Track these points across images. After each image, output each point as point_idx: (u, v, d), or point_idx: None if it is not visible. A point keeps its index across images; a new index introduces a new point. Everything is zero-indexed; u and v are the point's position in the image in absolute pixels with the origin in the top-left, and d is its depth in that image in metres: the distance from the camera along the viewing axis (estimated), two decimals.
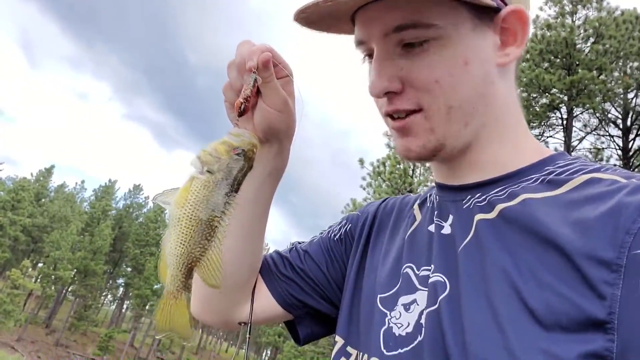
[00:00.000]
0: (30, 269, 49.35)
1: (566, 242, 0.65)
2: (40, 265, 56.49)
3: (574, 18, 17.82)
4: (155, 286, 56.54)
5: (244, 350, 1.08)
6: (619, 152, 17.67)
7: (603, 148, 18.08)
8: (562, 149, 17.19)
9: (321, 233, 1.19)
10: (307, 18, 0.83)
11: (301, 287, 1.08)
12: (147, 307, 56.86)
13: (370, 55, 0.85)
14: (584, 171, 0.76)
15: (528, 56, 17.09)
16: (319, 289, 1.08)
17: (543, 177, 0.79)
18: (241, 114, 0.86)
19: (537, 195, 0.76)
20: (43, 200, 60.68)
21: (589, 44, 17.13)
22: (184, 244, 0.76)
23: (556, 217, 0.70)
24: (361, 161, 20.69)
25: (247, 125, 0.93)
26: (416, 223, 0.98)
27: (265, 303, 1.07)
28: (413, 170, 19.78)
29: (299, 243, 1.18)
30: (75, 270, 51.64)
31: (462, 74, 0.79)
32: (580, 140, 18.17)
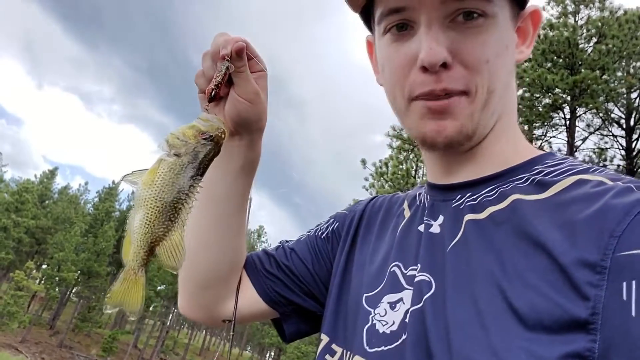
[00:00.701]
0: (34, 271, 49.52)
1: (553, 246, 0.66)
2: (44, 266, 56.58)
3: (577, 18, 17.80)
4: (159, 287, 56.68)
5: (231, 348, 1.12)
6: (622, 152, 17.62)
7: (606, 148, 18.05)
8: (565, 149, 17.35)
9: (309, 232, 1.19)
10: None
11: (286, 284, 1.08)
12: (150, 308, 56.93)
13: (402, 26, 0.80)
14: (572, 172, 0.77)
15: (531, 56, 17.02)
16: (304, 286, 1.08)
17: (532, 177, 0.79)
18: (212, 99, 0.88)
19: (526, 197, 0.76)
20: (47, 201, 60.84)
21: (591, 43, 17.11)
22: (148, 224, 0.78)
23: (544, 221, 0.70)
24: (363, 162, 20.68)
25: (218, 114, 0.93)
26: (405, 221, 0.97)
27: (251, 300, 1.07)
28: (415, 170, 19.76)
29: (287, 241, 1.18)
30: (79, 271, 51.70)
31: (504, 58, 0.80)
32: (584, 140, 18.15)
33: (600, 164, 17.27)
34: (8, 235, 49.73)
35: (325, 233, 1.14)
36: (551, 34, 17.14)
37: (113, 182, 62.79)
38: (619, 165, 17.42)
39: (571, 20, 17.59)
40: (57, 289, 53.83)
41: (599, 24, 16.79)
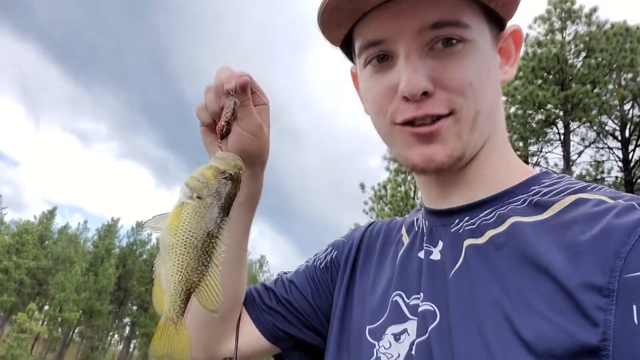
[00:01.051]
0: (36, 312, 48.99)
1: (557, 269, 0.64)
2: (46, 307, 56.04)
3: (564, 34, 18.02)
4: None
5: None
6: (620, 163, 17.62)
7: (603, 160, 18.04)
8: (561, 163, 17.37)
9: (307, 261, 1.16)
10: (332, 2, 0.78)
11: (286, 319, 1.05)
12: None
13: (382, 58, 0.80)
14: (569, 191, 0.76)
15: (521, 74, 17.22)
16: (305, 319, 1.05)
17: (530, 198, 0.78)
18: (223, 136, 0.87)
19: (525, 219, 0.75)
20: (47, 242, 60.58)
21: (580, 58, 17.29)
22: (181, 271, 0.76)
23: (546, 243, 0.68)
24: (362, 186, 20.71)
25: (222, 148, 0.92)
26: (404, 248, 0.95)
27: (251, 336, 1.04)
28: (414, 192, 19.73)
29: (285, 273, 1.15)
30: (80, 311, 51.19)
31: (488, 80, 0.80)
32: (580, 154, 18.17)
33: (598, 177, 17.29)
34: (10, 277, 49.36)
35: (324, 263, 1.12)
36: (539, 51, 17.34)
37: (112, 219, 62.70)
38: (617, 177, 17.41)
39: (559, 37, 17.80)
40: (59, 330, 53.21)
41: (587, 38, 17.01)
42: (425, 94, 0.75)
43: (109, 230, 61.17)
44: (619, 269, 0.59)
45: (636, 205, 0.66)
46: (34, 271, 55.15)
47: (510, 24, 0.86)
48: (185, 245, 0.76)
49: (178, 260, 0.76)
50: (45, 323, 53.93)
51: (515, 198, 0.80)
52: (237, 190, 0.81)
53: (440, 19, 0.75)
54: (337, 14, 0.80)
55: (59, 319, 50.69)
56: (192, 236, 0.76)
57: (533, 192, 0.79)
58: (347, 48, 0.92)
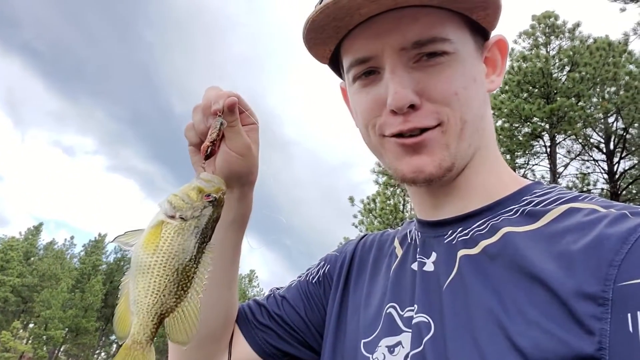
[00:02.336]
0: (21, 330, 48.08)
1: (551, 278, 0.64)
2: (31, 325, 55.03)
3: (548, 49, 18.33)
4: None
5: None
6: (605, 175, 17.84)
7: (589, 173, 18.26)
8: (548, 176, 17.54)
9: (299, 276, 1.16)
10: (315, 21, 0.80)
11: (279, 335, 1.03)
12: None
13: (369, 72, 0.83)
14: (561, 200, 0.76)
15: (507, 87, 17.45)
16: (298, 335, 1.04)
17: (522, 208, 0.79)
18: (208, 156, 0.86)
19: (518, 229, 0.76)
20: (32, 258, 59.68)
21: (565, 72, 17.56)
22: (156, 293, 0.72)
23: (539, 252, 0.69)
24: (351, 199, 20.73)
25: (208, 168, 0.92)
26: (398, 260, 0.95)
27: (244, 354, 1.03)
28: (404, 205, 19.80)
29: (277, 289, 1.14)
30: (67, 329, 50.34)
31: (473, 89, 0.81)
32: (566, 166, 18.38)
33: (584, 189, 17.48)
34: None
35: (317, 277, 1.11)
36: (525, 65, 17.59)
37: (99, 234, 62.02)
38: (602, 189, 17.61)
39: (543, 51, 18.09)
40: (44, 348, 52.20)
41: (571, 52, 17.31)
42: (412, 106, 0.78)
43: (96, 246, 60.45)
44: (613, 277, 0.59)
45: (628, 214, 0.66)
46: (18, 288, 54.25)
47: (495, 33, 0.88)
48: (164, 266, 0.73)
49: (155, 281, 0.73)
50: (30, 341, 52.93)
51: (508, 208, 0.81)
52: (220, 214, 0.80)
53: (419, 37, 0.77)
54: (322, 32, 0.82)
55: (44, 337, 49.79)
56: (173, 258, 0.73)
57: (525, 202, 0.80)
58: (335, 63, 0.94)
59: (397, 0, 0.75)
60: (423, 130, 0.79)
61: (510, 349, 0.63)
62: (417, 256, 0.89)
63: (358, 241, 1.13)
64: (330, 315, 1.01)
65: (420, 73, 0.78)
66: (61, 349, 56.55)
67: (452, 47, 0.78)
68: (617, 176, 17.41)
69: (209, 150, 0.86)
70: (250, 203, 1.00)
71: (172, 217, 0.75)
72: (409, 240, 0.96)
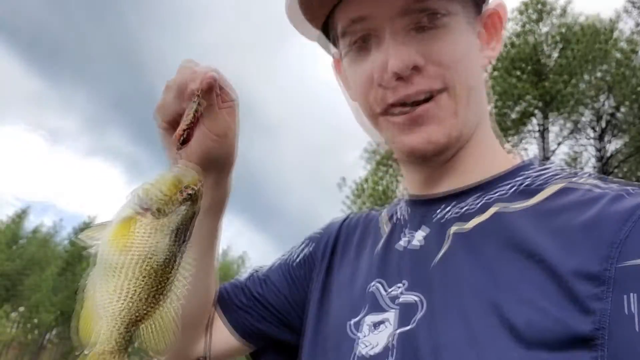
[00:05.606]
0: (10, 314, 48.22)
1: (548, 256, 0.62)
2: (21, 309, 55.14)
3: (540, 26, 18.21)
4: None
5: None
6: (596, 155, 17.93)
7: (580, 152, 18.36)
8: (540, 155, 17.55)
9: (282, 256, 1.11)
10: None
11: (261, 316, 1.00)
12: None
13: (366, 40, 0.78)
14: (558, 177, 0.74)
15: (500, 65, 17.37)
16: (281, 316, 1.01)
17: (517, 186, 0.77)
18: (183, 143, 0.79)
19: (512, 205, 0.73)
20: (20, 241, 59.50)
21: (557, 51, 17.50)
22: (127, 298, 0.65)
23: (534, 229, 0.67)
24: (342, 181, 20.75)
25: (183, 154, 0.84)
26: (384, 238, 0.91)
27: (224, 336, 1.00)
28: (396, 186, 19.83)
29: (258, 269, 1.11)
30: (58, 312, 50.47)
31: (474, 58, 0.79)
32: (558, 145, 18.44)
33: (577, 168, 17.58)
34: None
35: (300, 257, 1.06)
36: (517, 43, 17.49)
37: (89, 217, 61.87)
38: (594, 167, 17.72)
39: (535, 29, 17.98)
40: (35, 332, 52.44)
41: (562, 30, 17.21)
42: (416, 68, 0.74)
43: (86, 228, 60.46)
44: (615, 256, 0.58)
45: (627, 193, 0.65)
46: (6, 274, 54.16)
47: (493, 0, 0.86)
48: (136, 268, 0.65)
49: (127, 285, 0.65)
50: (19, 326, 53.08)
51: (502, 184, 0.78)
52: (199, 209, 0.71)
53: None
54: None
55: (35, 320, 49.99)
56: (147, 259, 0.65)
57: (520, 179, 0.77)
58: (326, 35, 0.90)
59: None
60: (428, 96, 0.75)
61: (503, 327, 0.61)
62: (407, 232, 0.85)
63: (343, 221, 1.09)
64: (313, 296, 0.98)
65: (423, 35, 0.75)
66: (53, 333, 56.81)
67: (454, 7, 0.76)
68: (608, 156, 17.49)
69: (184, 136, 0.78)
70: (227, 188, 0.95)
71: (145, 210, 0.66)
72: (397, 218, 0.93)
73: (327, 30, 0.88)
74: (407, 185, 0.94)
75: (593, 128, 18.09)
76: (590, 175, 0.74)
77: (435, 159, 0.81)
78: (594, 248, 0.60)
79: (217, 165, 0.89)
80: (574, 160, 18.16)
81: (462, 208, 0.79)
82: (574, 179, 0.73)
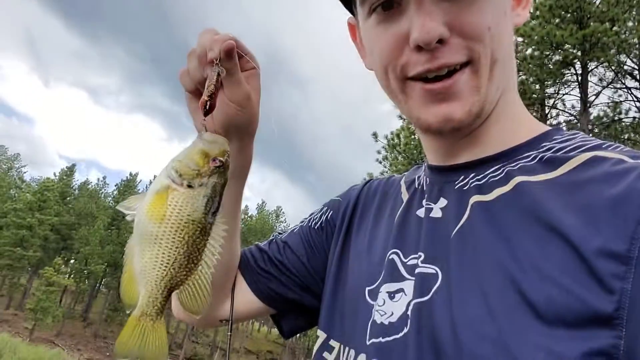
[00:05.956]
0: (62, 266, 50.57)
1: (571, 231, 0.61)
2: (72, 261, 57.78)
3: None
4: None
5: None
6: (638, 104, 17.28)
7: (621, 101, 17.69)
8: (578, 105, 17.11)
9: (302, 222, 1.14)
10: None
11: (281, 281, 1.04)
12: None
13: (389, 3, 0.73)
14: (584, 148, 0.71)
15: (538, 13, 16.69)
16: (299, 281, 1.04)
17: (541, 155, 0.74)
18: (207, 112, 0.77)
19: (535, 177, 0.71)
20: (68, 198, 61.77)
21: None
22: (166, 266, 0.69)
23: (559, 202, 0.65)
24: (375, 135, 20.56)
25: (206, 122, 0.85)
26: (403, 206, 0.91)
27: (246, 299, 1.04)
28: None
29: (279, 234, 1.13)
30: (105, 264, 52.69)
31: (505, 24, 0.74)
32: (597, 95, 17.78)
33: (616, 118, 17.02)
34: (34, 233, 50.76)
35: (319, 223, 1.09)
36: None
37: (130, 174, 63.51)
38: (634, 118, 17.13)
39: None
40: (86, 282, 54.95)
41: None
42: (441, 41, 0.70)
43: (128, 185, 62.09)
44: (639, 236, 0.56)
45: None
46: (57, 227, 56.59)
47: None
48: (174, 238, 0.69)
49: (164, 254, 0.69)
50: (72, 276, 55.73)
51: (525, 154, 0.76)
52: (227, 179, 0.75)
53: None
54: None
55: (85, 271, 52.29)
56: (182, 229, 0.69)
57: (545, 148, 0.75)
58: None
59: None
60: (452, 70, 0.71)
61: (521, 303, 0.61)
62: (425, 202, 0.85)
63: (362, 186, 1.10)
64: (331, 261, 1.01)
65: (449, 3, 0.70)
66: (102, 282, 59.52)
67: None
68: None
69: (207, 105, 0.76)
70: (250, 154, 0.95)
71: (179, 184, 0.71)
72: (417, 186, 0.92)
73: None
74: (426, 152, 0.92)
75: (634, 77, 17.39)
76: (619, 146, 0.71)
77: (454, 134, 0.78)
78: (620, 225, 0.58)
79: (240, 132, 0.90)
80: (614, 109, 17.54)
81: (483, 178, 0.77)
82: (602, 149, 0.70)
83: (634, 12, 16.26)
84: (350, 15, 0.92)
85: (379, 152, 20.54)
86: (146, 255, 0.70)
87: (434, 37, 0.69)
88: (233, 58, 0.80)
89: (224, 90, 0.84)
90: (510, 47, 0.77)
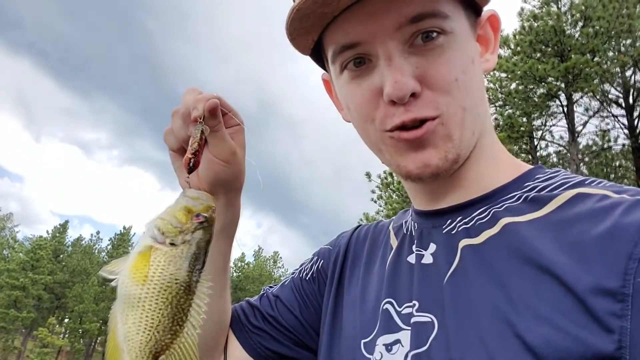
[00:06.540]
0: (57, 326, 49.55)
1: (564, 271, 0.60)
2: (66, 320, 56.64)
3: (559, 4, 17.83)
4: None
5: None
6: (626, 131, 17.49)
7: (609, 129, 17.92)
8: (567, 136, 17.28)
9: (292, 273, 1.12)
10: (301, 10, 0.72)
11: (274, 337, 1.00)
12: None
13: (359, 62, 0.75)
14: (567, 185, 0.72)
15: (519, 49, 17.09)
16: (293, 336, 1.01)
17: (525, 195, 0.75)
18: (191, 170, 0.78)
19: (521, 217, 0.71)
20: (61, 255, 61.08)
21: (578, 28, 17.11)
22: (149, 330, 0.66)
23: (548, 242, 0.65)
24: (368, 175, 20.71)
25: (192, 179, 0.85)
26: (393, 253, 0.91)
27: (239, 358, 1.00)
28: None
29: (270, 288, 1.11)
30: (101, 321, 51.69)
31: (473, 72, 0.75)
32: (584, 124, 18.04)
33: (605, 146, 17.19)
34: (27, 294, 49.91)
35: (310, 273, 1.07)
36: (536, 24, 17.17)
37: (124, 227, 63.08)
38: (624, 145, 17.31)
39: (554, 8, 17.61)
40: (81, 341, 53.74)
41: (583, 7, 16.82)
42: (413, 95, 0.71)
43: (122, 239, 61.60)
44: (632, 271, 0.56)
45: None
46: (51, 286, 55.72)
47: (486, 9, 0.83)
48: (157, 300, 0.66)
49: (147, 316, 0.66)
50: (66, 336, 54.52)
51: (510, 195, 0.76)
52: (212, 235, 0.73)
53: (419, 11, 0.69)
54: (306, 21, 0.74)
55: (80, 330, 51.23)
56: (165, 290, 0.66)
57: (528, 188, 0.76)
58: (318, 55, 0.86)
59: None
60: (423, 121, 0.72)
61: (520, 347, 0.60)
62: (414, 248, 0.84)
63: (352, 233, 1.09)
64: (325, 313, 0.98)
65: (418, 57, 0.71)
66: (97, 341, 58.19)
67: (449, 25, 0.72)
68: (638, 130, 17.05)
69: (191, 163, 0.77)
70: (238, 209, 0.95)
71: (162, 243, 0.69)
72: (405, 231, 0.92)
73: (318, 51, 0.85)
74: (411, 199, 0.92)
75: (620, 105, 17.65)
76: (601, 182, 0.72)
77: (433, 180, 0.78)
78: (611, 262, 0.57)
79: (226, 187, 0.90)
80: (602, 137, 17.74)
81: (470, 220, 0.78)
82: (585, 186, 0.71)
83: (613, 43, 16.67)
84: (324, 71, 0.93)
85: (373, 192, 20.67)
86: (129, 319, 0.66)
87: (407, 92, 0.70)
88: (217, 116, 0.81)
89: (208, 147, 0.85)
90: (481, 92, 0.79)
